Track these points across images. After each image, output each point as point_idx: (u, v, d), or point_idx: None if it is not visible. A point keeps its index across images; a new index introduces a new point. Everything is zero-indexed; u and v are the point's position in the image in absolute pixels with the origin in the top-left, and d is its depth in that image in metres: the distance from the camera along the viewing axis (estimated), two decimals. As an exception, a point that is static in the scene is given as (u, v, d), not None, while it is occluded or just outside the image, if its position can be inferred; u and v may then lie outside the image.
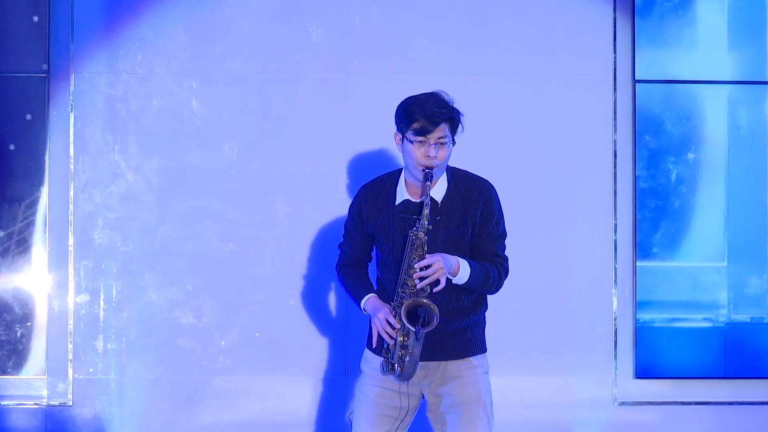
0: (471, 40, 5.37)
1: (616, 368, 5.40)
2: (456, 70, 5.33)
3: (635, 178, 5.42)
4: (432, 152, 3.76)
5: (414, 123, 3.76)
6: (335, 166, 5.33)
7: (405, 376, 3.80)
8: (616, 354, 5.39)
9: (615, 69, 5.40)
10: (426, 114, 3.73)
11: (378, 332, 3.80)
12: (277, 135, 5.35)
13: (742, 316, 5.52)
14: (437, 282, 3.71)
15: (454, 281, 3.78)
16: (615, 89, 5.40)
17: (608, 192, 5.41)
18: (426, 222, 3.70)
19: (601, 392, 5.41)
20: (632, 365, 5.41)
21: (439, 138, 3.78)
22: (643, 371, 5.42)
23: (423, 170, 3.76)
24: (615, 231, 5.42)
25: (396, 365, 3.76)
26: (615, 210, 5.41)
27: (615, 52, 5.41)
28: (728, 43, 5.53)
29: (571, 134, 5.40)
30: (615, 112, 5.40)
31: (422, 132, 3.75)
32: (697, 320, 5.50)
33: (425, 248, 3.72)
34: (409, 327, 3.66)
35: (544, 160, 5.39)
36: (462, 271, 3.77)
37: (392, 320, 3.75)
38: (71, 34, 5.28)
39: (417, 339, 3.71)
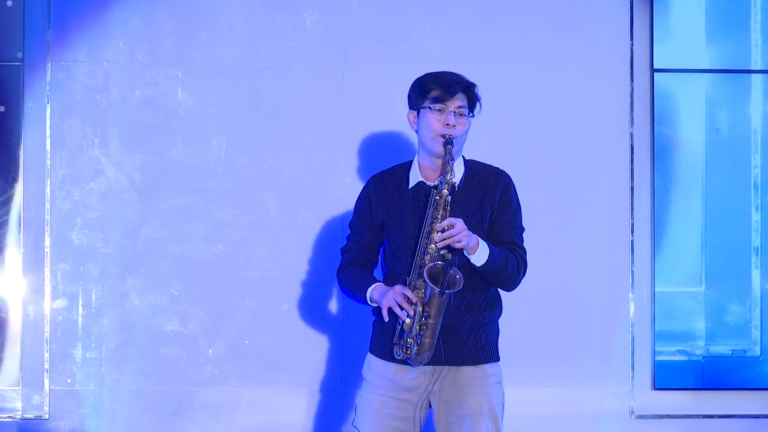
0: (477, 25, 5.34)
1: (633, 378, 5.34)
2: (461, 58, 5.29)
3: (653, 174, 5.37)
4: (451, 120, 3.81)
5: (431, 92, 3.84)
6: (331, 161, 5.30)
7: (420, 359, 3.74)
8: (633, 363, 5.34)
9: (632, 57, 5.37)
10: (443, 82, 3.83)
11: (389, 307, 3.75)
12: (268, 128, 5.31)
13: (722, 348, 5.45)
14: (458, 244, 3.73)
15: (471, 260, 3.76)
16: (632, 78, 5.37)
17: (624, 189, 5.36)
18: (450, 177, 3.73)
19: (617, 404, 5.35)
20: (650, 375, 5.35)
21: (458, 107, 3.83)
22: (662, 382, 5.36)
23: (443, 139, 3.80)
24: (632, 231, 5.36)
25: (411, 345, 3.72)
26: (632, 208, 5.35)
27: (632, 39, 5.38)
28: (706, 35, 5.47)
29: (584, 127, 5.36)
30: (632, 103, 5.37)
31: (440, 99, 3.82)
32: (670, 353, 5.44)
33: (448, 209, 3.75)
34: (433, 287, 3.64)
35: (555, 155, 5.36)
36: (480, 249, 3.75)
37: (409, 293, 3.72)
38: (48, 20, 5.25)
39: (440, 302, 3.67)
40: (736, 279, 5.43)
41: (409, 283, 3.76)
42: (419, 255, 3.75)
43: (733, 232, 5.42)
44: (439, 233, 3.69)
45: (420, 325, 3.70)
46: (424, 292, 3.71)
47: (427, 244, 3.73)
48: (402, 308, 3.71)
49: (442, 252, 3.70)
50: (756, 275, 5.46)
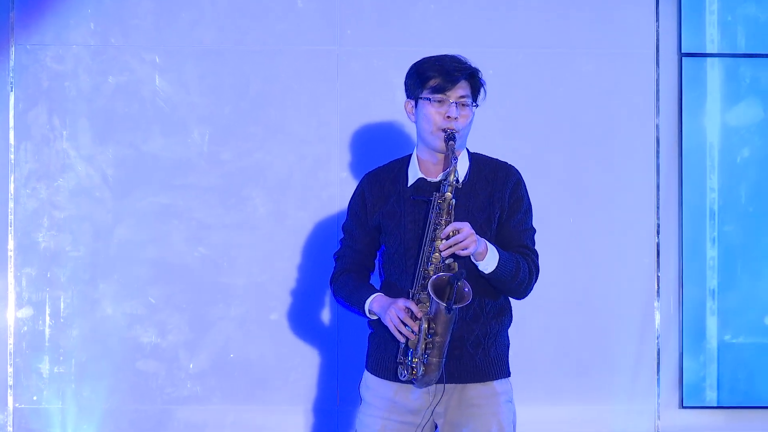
0: (485, 5, 5.34)
1: (658, 395, 5.31)
2: (468, 42, 5.26)
3: (681, 170, 5.30)
4: (453, 112, 3.69)
5: (430, 81, 3.73)
6: (325, 155, 5.28)
7: (428, 380, 3.66)
8: (659, 379, 5.30)
9: (657, 40, 5.35)
10: (443, 69, 3.72)
11: (395, 325, 3.67)
12: (255, 118, 5.29)
13: (676, 413, 5.45)
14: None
15: (480, 267, 3.65)
16: (657, 64, 5.34)
17: (650, 187, 5.32)
18: (453, 179, 3.62)
19: (641, 424, 5.31)
20: (678, 392, 5.30)
21: (460, 97, 3.72)
22: (690, 399, 5.29)
23: (444, 133, 3.69)
24: (657, 233, 5.30)
25: (418, 365, 3.64)
26: (657, 208, 5.31)
27: (657, 20, 5.35)
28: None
29: (605, 118, 5.32)
30: (657, 92, 5.33)
31: (440, 89, 3.71)
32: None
33: (452, 213, 3.65)
34: (439, 302, 3.55)
35: (572, 149, 5.32)
36: (489, 255, 3.64)
37: (413, 307, 3.64)
38: (11, -1, 5.36)
39: (447, 318, 3.59)
40: (688, 328, 5.26)
41: (413, 296, 3.66)
42: (422, 265, 3.66)
43: (685, 271, 5.25)
44: (443, 240, 3.60)
45: (426, 344, 3.62)
46: (429, 307, 3.62)
47: (430, 252, 3.65)
48: (407, 325, 3.63)
49: (447, 261, 3.61)
50: (712, 323, 5.29)
